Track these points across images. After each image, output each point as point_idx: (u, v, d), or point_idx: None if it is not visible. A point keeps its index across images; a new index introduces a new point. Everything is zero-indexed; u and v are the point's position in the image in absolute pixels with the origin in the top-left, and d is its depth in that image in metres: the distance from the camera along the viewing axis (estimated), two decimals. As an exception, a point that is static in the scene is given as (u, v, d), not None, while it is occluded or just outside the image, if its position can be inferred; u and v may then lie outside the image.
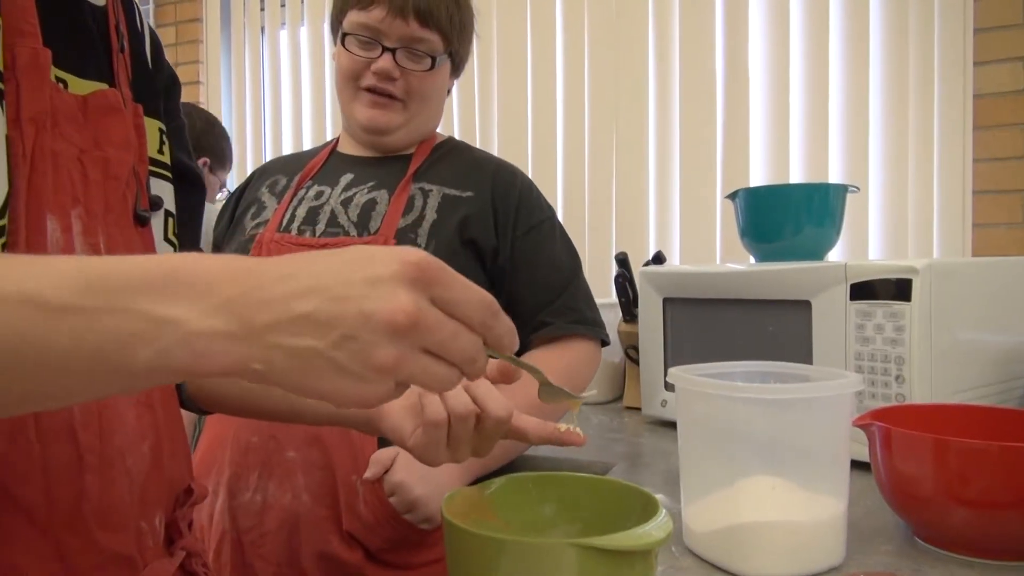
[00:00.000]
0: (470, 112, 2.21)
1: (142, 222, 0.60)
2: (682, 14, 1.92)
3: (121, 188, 0.57)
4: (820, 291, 1.01)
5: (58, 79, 0.53)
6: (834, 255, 1.22)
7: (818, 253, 1.19)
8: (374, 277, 0.37)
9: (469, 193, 1.06)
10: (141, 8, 0.68)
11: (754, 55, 1.84)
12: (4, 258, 0.37)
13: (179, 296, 0.36)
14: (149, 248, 0.63)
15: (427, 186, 1.06)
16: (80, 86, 0.56)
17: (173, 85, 0.74)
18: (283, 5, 2.60)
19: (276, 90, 2.62)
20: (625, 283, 1.51)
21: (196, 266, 0.37)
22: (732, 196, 1.27)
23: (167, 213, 0.67)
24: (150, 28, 0.69)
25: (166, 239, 0.67)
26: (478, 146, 1.99)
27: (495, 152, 2.11)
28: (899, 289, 0.93)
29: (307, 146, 2.50)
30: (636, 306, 1.49)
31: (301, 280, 0.37)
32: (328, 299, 0.36)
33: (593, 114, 2.02)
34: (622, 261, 1.51)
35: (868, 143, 1.71)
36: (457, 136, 2.15)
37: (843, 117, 1.75)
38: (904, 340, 0.91)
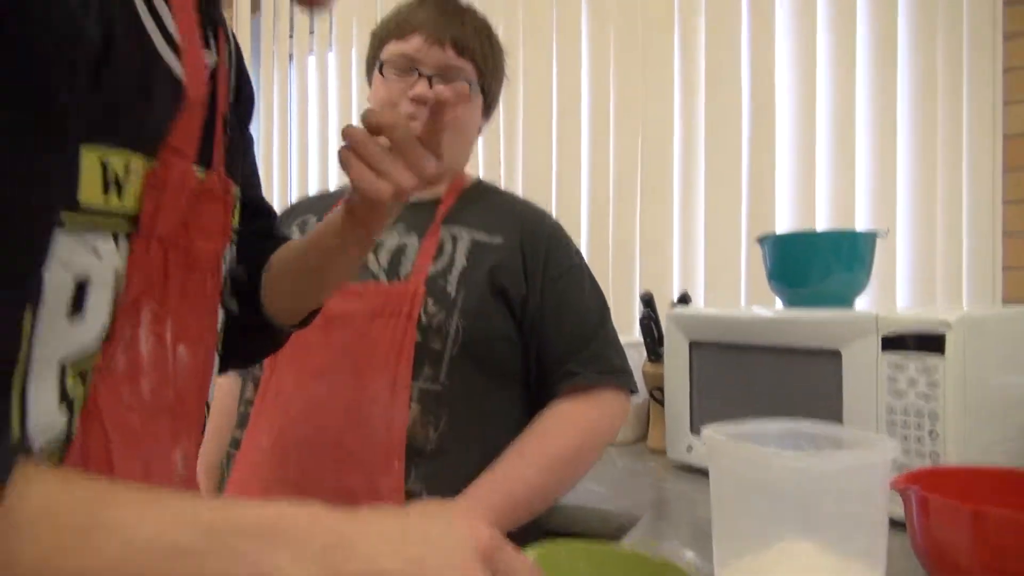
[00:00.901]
0: (495, 151, 2.22)
1: (214, 305, 0.62)
2: (707, 55, 1.92)
3: (202, 278, 0.58)
4: (851, 341, 1.00)
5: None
6: (862, 298, 1.21)
7: (847, 298, 1.18)
8: (451, 546, 0.43)
9: (498, 239, 1.06)
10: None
11: (780, 97, 1.84)
12: (123, 496, 0.40)
13: (281, 543, 0.40)
14: (212, 328, 0.64)
15: (457, 230, 1.07)
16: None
17: (250, 103, 0.75)
18: (311, 32, 2.64)
19: (303, 115, 2.66)
20: (651, 323, 1.50)
21: (297, 516, 0.42)
22: (761, 240, 1.26)
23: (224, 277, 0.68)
24: (236, 47, 0.70)
25: (222, 305, 0.68)
26: (502, 184, 2.00)
27: (519, 189, 2.13)
28: (932, 342, 0.92)
29: (333, 170, 2.52)
30: (661, 345, 1.48)
31: (387, 540, 0.42)
32: (410, 561, 0.41)
33: (617, 152, 2.03)
34: (647, 301, 1.51)
35: (896, 185, 1.70)
36: (482, 175, 2.19)
37: (870, 157, 1.74)
38: (938, 395, 0.90)
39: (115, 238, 0.49)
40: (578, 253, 1.15)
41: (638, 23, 2.01)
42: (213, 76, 0.60)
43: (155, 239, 0.51)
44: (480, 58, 1.09)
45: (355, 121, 2.32)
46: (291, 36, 2.70)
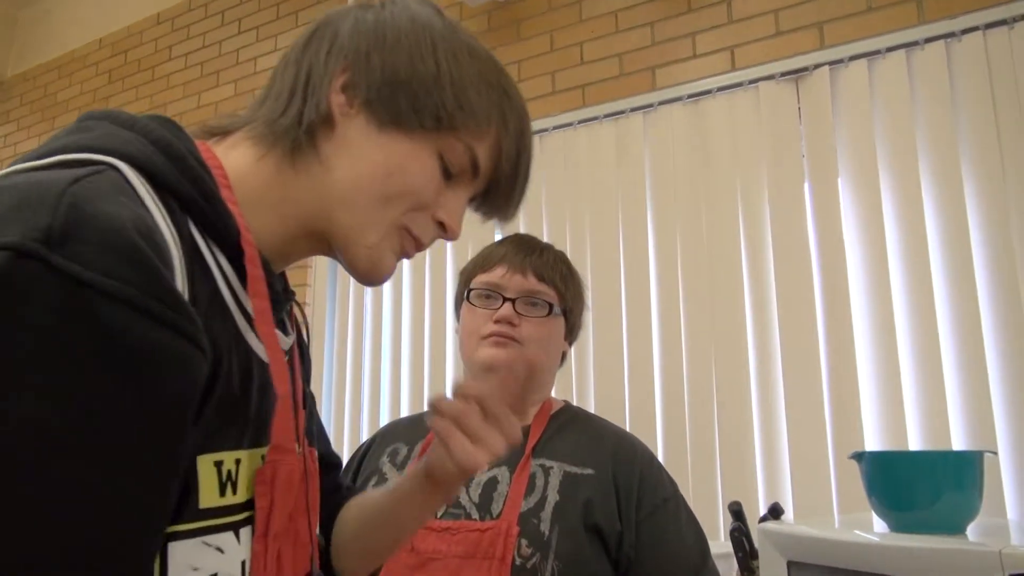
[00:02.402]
0: (566, 364, 2.24)
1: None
2: (777, 268, 1.97)
3: (304, 553, 0.62)
4: (972, 577, 0.94)
5: (261, 456, 0.58)
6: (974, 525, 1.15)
7: (959, 525, 1.12)
8: None
9: (589, 471, 1.06)
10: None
11: (857, 317, 1.86)
12: None
13: None
14: None
15: (547, 463, 1.07)
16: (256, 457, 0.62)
17: (310, 362, 0.80)
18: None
19: (377, 308, 2.74)
20: (741, 537, 1.44)
21: None
22: (857, 457, 1.22)
23: None
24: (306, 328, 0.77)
25: None
26: (575, 400, 2.01)
27: (591, 402, 2.13)
28: (1067, 585, 0.85)
29: (406, 370, 2.57)
30: (753, 558, 1.41)
31: None
32: None
33: (691, 362, 2.04)
34: (736, 513, 1.45)
35: (991, 397, 1.65)
36: (553, 391, 2.19)
37: (958, 369, 1.71)
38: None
39: (236, 532, 0.53)
40: (672, 483, 1.13)
41: (703, 239, 2.09)
42: (290, 357, 0.67)
43: (271, 537, 0.55)
44: (560, 282, 1.16)
45: (427, 330, 2.38)
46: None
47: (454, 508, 1.04)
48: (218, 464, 0.51)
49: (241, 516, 0.53)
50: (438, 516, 1.03)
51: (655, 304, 2.13)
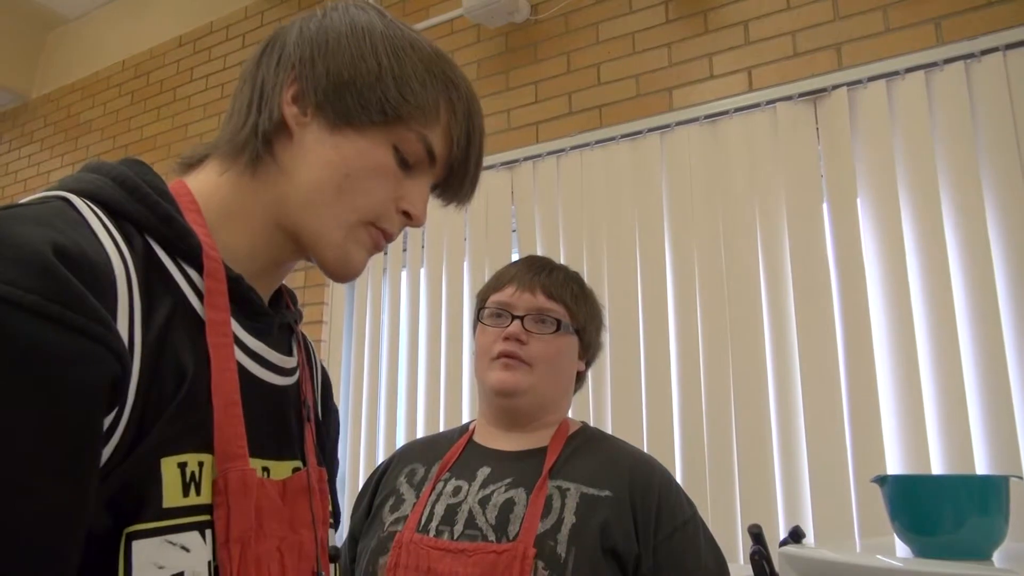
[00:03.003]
0: (583, 390, 2.23)
1: None
2: (796, 289, 1.96)
3: (311, 565, 0.62)
4: (1000, 604, 0.92)
5: (263, 468, 0.59)
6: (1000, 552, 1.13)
7: (986, 551, 1.10)
8: None
9: (607, 492, 1.05)
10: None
11: (878, 338, 1.85)
12: None
13: None
14: None
15: (564, 484, 1.07)
16: (279, 470, 0.64)
17: (327, 386, 0.83)
18: (404, 250, 2.79)
19: (395, 327, 2.75)
20: (762, 561, 1.42)
21: None
22: (880, 481, 1.21)
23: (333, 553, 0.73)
24: (322, 369, 0.81)
25: None
26: (592, 421, 2.00)
27: (608, 422, 2.12)
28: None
29: (423, 387, 2.57)
30: (773, 584, 1.39)
31: None
32: None
33: (709, 380, 2.04)
34: (756, 536, 1.43)
35: (1015, 421, 1.63)
36: (570, 412, 2.18)
37: (981, 391, 1.70)
38: None
39: (202, 532, 0.54)
40: (691, 504, 1.12)
41: (721, 260, 2.08)
42: (298, 378, 0.70)
43: (234, 542, 0.56)
44: (570, 300, 1.17)
45: (443, 332, 2.37)
46: (384, 253, 2.87)
47: (470, 529, 1.03)
48: (181, 466, 0.53)
49: (206, 517, 0.55)
50: (455, 537, 1.02)
51: (673, 325, 2.13)
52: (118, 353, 0.48)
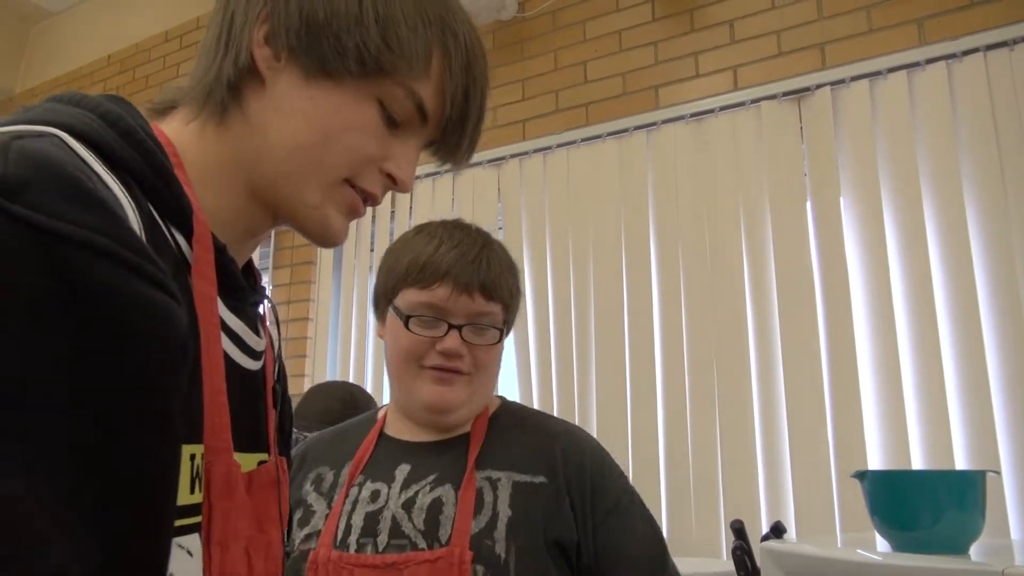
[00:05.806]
0: (569, 379, 2.26)
1: None
2: (779, 286, 1.98)
3: (278, 569, 0.57)
4: (975, 597, 0.94)
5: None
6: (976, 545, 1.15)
7: (962, 545, 1.11)
8: None
9: (541, 479, 0.97)
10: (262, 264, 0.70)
11: (859, 334, 1.86)
12: None
13: None
14: None
15: (494, 474, 0.97)
16: (247, 462, 0.57)
17: (285, 380, 0.74)
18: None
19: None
20: (744, 556, 1.43)
21: None
22: (860, 476, 1.22)
23: None
24: (279, 335, 0.71)
25: None
26: (576, 418, 1.96)
27: (593, 419, 2.13)
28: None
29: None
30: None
31: None
32: None
33: (693, 375, 2.05)
34: (739, 531, 1.45)
35: (994, 417, 1.65)
36: (556, 408, 2.20)
37: (961, 388, 1.72)
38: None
39: (200, 534, 0.48)
40: (621, 475, 1.04)
41: (705, 257, 2.10)
42: (264, 361, 0.62)
43: (214, 545, 0.49)
44: (507, 298, 1.03)
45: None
46: (372, 250, 2.87)
47: (397, 539, 0.92)
48: (192, 457, 0.47)
49: (199, 517, 0.49)
50: (379, 550, 0.91)
51: (657, 321, 2.14)
52: (181, 303, 0.42)
